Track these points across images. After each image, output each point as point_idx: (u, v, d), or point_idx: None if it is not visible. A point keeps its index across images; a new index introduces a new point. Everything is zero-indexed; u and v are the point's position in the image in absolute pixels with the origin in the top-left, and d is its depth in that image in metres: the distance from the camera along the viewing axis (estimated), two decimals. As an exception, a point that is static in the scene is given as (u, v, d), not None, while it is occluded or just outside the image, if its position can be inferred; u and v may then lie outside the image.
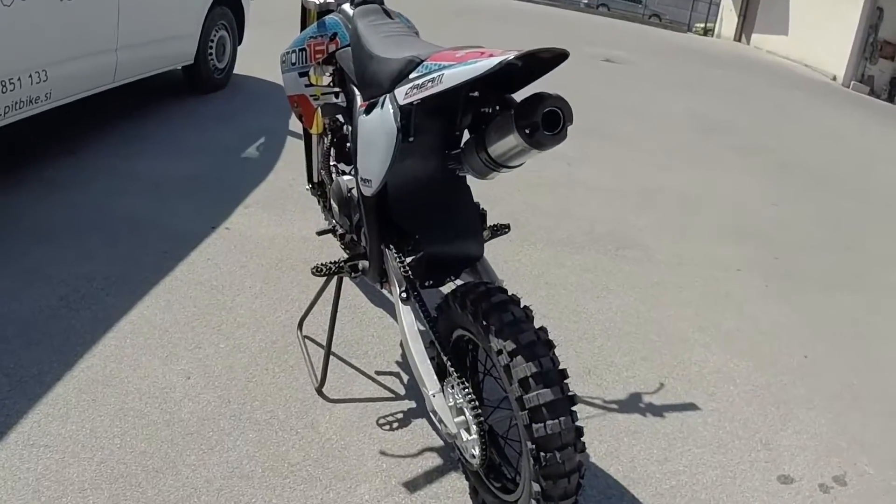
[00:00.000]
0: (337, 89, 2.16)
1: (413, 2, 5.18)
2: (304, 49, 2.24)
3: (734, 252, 3.90)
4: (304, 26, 2.51)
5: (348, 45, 2.03)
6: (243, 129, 4.46)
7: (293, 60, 2.33)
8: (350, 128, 2.08)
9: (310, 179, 2.92)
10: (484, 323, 1.52)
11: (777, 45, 16.36)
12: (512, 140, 1.44)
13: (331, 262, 2.05)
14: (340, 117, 2.31)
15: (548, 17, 14.50)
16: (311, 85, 2.26)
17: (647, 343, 2.77)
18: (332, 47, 2.10)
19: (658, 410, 2.37)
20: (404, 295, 1.79)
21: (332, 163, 2.31)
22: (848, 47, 14.03)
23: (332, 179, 2.34)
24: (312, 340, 2.41)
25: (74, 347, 2.22)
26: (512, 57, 1.29)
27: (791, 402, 2.55)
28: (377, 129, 1.68)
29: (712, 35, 19.99)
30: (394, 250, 1.86)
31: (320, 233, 2.32)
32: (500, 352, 1.47)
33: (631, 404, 2.38)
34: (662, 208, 4.39)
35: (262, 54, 5.64)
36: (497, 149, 1.51)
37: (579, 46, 9.96)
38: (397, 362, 2.38)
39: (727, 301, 3.27)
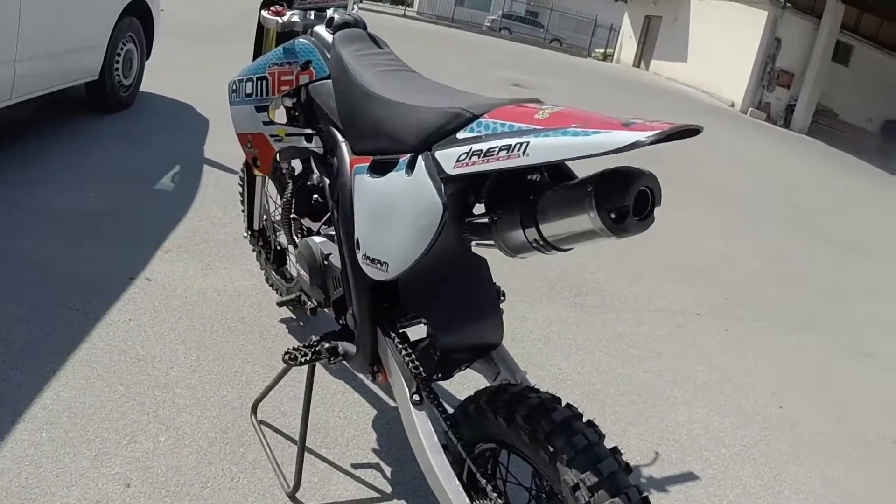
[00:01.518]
0: (309, 131, 1.77)
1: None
2: (263, 78, 1.84)
3: (686, 293, 3.96)
4: (259, 49, 2.11)
5: (327, 78, 1.66)
6: (154, 155, 3.95)
7: (248, 91, 1.91)
8: (324, 179, 1.71)
9: (249, 226, 2.51)
10: (549, 448, 1.19)
11: (676, 71, 16.95)
12: (586, 223, 1.10)
13: (305, 347, 1.67)
14: (305, 163, 1.94)
15: (452, 38, 14.43)
16: (271, 123, 1.87)
17: (630, 406, 2.63)
18: (304, 78, 1.72)
19: (660, 484, 2.23)
20: (417, 398, 1.44)
21: (291, 216, 1.94)
22: (746, 75, 14.69)
23: (292, 238, 1.96)
24: (270, 427, 2.00)
25: (-30, 447, 1.73)
26: (650, 137, 0.93)
27: (780, 459, 2.52)
28: (402, 199, 1.31)
29: (611, 60, 20.55)
30: (395, 338, 1.51)
31: (281, 304, 1.91)
32: (576, 487, 1.15)
33: (632, 480, 2.10)
34: (609, 251, 4.21)
35: (171, 70, 5.13)
36: (556, 229, 1.17)
37: (486, 69, 9.87)
38: (374, 450, 2.01)
39: (694, 352, 3.23)
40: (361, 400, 2.20)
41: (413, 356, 1.48)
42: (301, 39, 1.74)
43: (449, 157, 1.20)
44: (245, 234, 2.59)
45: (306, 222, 1.93)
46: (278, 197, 2.47)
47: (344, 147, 1.57)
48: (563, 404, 1.30)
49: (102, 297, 2.45)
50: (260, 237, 2.54)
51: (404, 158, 1.32)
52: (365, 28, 1.78)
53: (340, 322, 1.73)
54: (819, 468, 2.50)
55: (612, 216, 1.07)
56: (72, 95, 4.45)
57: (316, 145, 1.74)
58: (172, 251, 2.91)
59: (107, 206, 3.19)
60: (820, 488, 2.38)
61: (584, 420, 1.27)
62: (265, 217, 2.53)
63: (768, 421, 2.75)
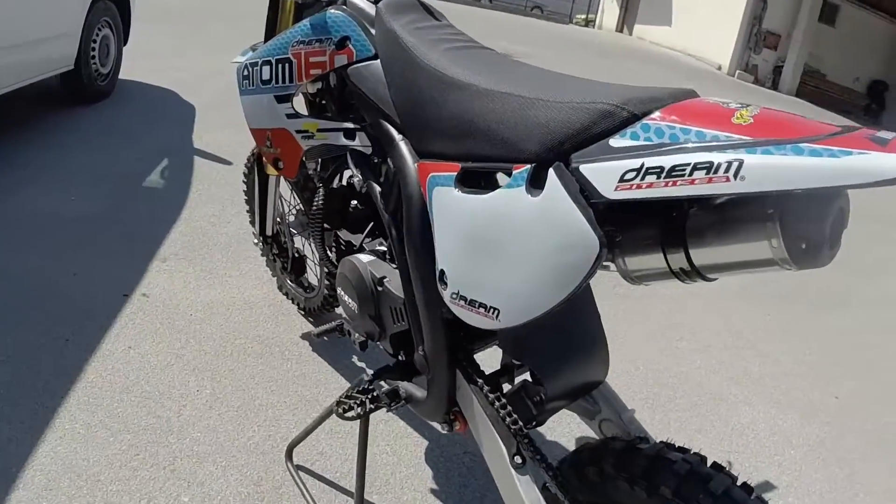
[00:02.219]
0: (350, 125, 1.45)
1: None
2: (286, 60, 1.50)
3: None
4: (273, 25, 1.76)
5: (372, 58, 1.34)
6: (139, 149, 3.60)
7: (265, 77, 1.56)
8: (371, 185, 1.40)
9: (262, 232, 2.20)
10: None
11: (660, 35, 16.62)
12: (762, 251, 0.85)
13: (359, 392, 1.37)
14: (337, 162, 1.63)
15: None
16: (297, 115, 1.54)
17: (693, 409, 2.40)
18: (341, 59, 1.39)
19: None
20: (519, 459, 1.15)
21: (324, 227, 1.63)
22: (733, 38, 14.45)
23: (326, 254, 1.66)
24: (309, 472, 1.71)
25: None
26: None
27: (848, 458, 2.35)
28: (524, 227, 0.97)
29: (594, 26, 20.18)
30: (483, 385, 1.22)
31: (320, 335, 1.59)
32: None
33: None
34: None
35: (150, 56, 4.75)
36: (715, 256, 0.91)
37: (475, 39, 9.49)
38: (433, 491, 1.73)
39: (742, 342, 3.00)
40: (408, 429, 1.92)
41: (508, 408, 1.18)
42: (333, 11, 1.40)
43: (605, 174, 0.87)
44: (256, 241, 2.28)
45: (344, 235, 1.61)
46: (293, 197, 2.16)
47: (404, 147, 1.25)
48: (711, 464, 1.02)
49: (94, 320, 2.13)
50: (274, 243, 2.23)
51: (520, 170, 0.98)
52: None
53: (399, 357, 1.44)
54: (889, 464, 2.35)
55: (803, 246, 0.83)
56: (46, 88, 4.08)
57: (361, 143, 1.42)
58: (170, 259, 2.58)
59: (92, 209, 2.86)
60: (894, 485, 2.24)
61: (741, 483, 1.00)
62: (279, 220, 2.22)
63: (828, 413, 2.58)
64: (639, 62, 11.80)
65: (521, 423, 1.18)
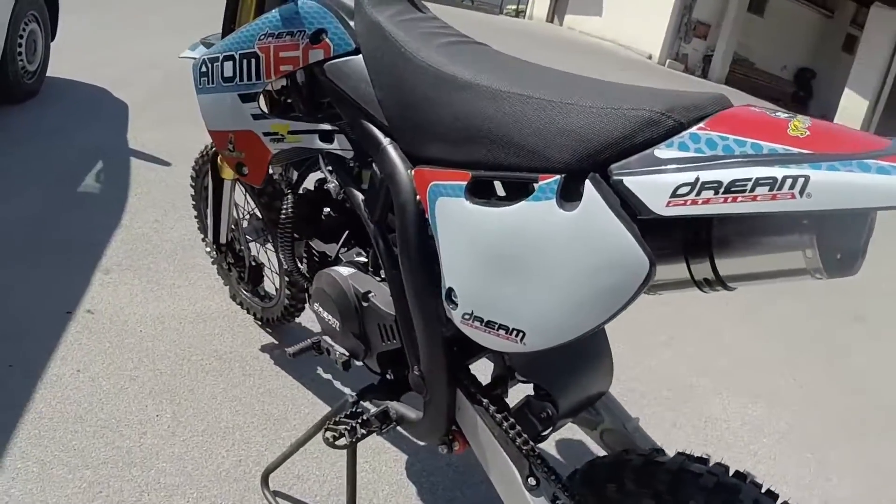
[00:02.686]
0: (328, 126, 1.34)
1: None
2: (252, 55, 1.36)
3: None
4: (231, 16, 1.61)
5: (353, 53, 1.23)
6: (72, 150, 3.37)
7: (226, 73, 1.42)
8: (352, 192, 1.30)
9: (215, 240, 2.06)
10: None
11: (591, 26, 16.81)
12: (795, 261, 0.81)
13: (347, 417, 1.27)
14: (306, 165, 1.52)
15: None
16: (265, 116, 1.42)
17: (664, 402, 2.39)
18: (317, 54, 1.27)
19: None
20: (533, 481, 1.07)
21: (294, 236, 1.51)
22: (663, 27, 14.71)
23: (296, 266, 1.54)
24: (287, 498, 1.60)
25: None
26: None
27: (817, 442, 2.41)
28: (557, 245, 0.88)
29: (524, 17, 20.27)
30: (489, 405, 1.13)
31: (296, 354, 1.47)
32: None
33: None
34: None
35: (79, 49, 4.48)
36: (743, 266, 0.86)
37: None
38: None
39: (704, 332, 3.02)
40: (385, 444, 1.82)
41: (517, 428, 1.10)
42: (303, 1, 1.28)
43: (654, 188, 0.79)
44: (209, 250, 2.13)
45: (316, 245, 1.49)
46: (247, 202, 2.03)
47: (392, 151, 1.14)
48: (733, 473, 0.99)
49: (38, 342, 1.96)
50: (228, 252, 2.09)
51: (548, 181, 0.88)
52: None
53: (388, 376, 1.34)
54: (853, 447, 2.43)
55: (839, 256, 0.80)
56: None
57: (340, 146, 1.31)
58: (113, 270, 2.41)
59: (25, 216, 2.65)
60: (863, 468, 2.30)
61: (765, 490, 0.97)
62: (233, 227, 2.08)
63: (792, 399, 2.64)
64: (570, 52, 11.88)
65: (531, 443, 1.11)
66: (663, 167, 0.79)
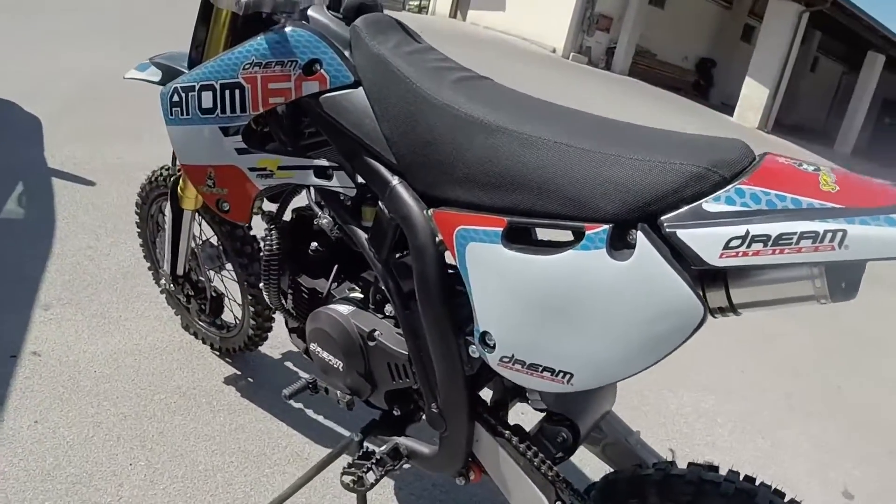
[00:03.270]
0: (324, 162, 1.28)
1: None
2: (235, 86, 1.28)
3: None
4: (201, 38, 1.50)
5: (352, 87, 1.19)
6: (-15, 174, 3.15)
7: (205, 104, 1.33)
8: (358, 233, 1.25)
9: (172, 272, 1.96)
10: None
11: (494, 20, 17.01)
12: (804, 289, 0.87)
13: (360, 459, 1.24)
14: (286, 196, 1.46)
15: None
16: (250, 151, 1.34)
17: (621, 403, 2.48)
18: (311, 87, 1.21)
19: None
20: None
21: (279, 274, 1.45)
22: (566, 21, 15.03)
23: (280, 302, 1.48)
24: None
25: None
26: None
27: (767, 428, 2.59)
28: (609, 292, 0.92)
29: (427, 13, 20.28)
30: (510, 435, 1.16)
31: (291, 395, 1.41)
32: None
33: None
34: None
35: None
36: (756, 294, 0.91)
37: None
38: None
39: None
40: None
41: (541, 455, 1.14)
42: (294, 28, 1.22)
43: (707, 241, 0.84)
44: (164, 285, 2.02)
45: (304, 281, 1.44)
46: (200, 230, 1.95)
47: (403, 191, 1.12)
48: (743, 477, 1.05)
49: (-17, 392, 1.82)
50: (186, 283, 2.00)
51: (596, 231, 0.91)
52: (382, 10, 1.31)
53: (395, 413, 1.31)
54: (800, 429, 2.63)
55: (843, 285, 0.87)
56: None
57: (340, 183, 1.25)
58: (53, 306, 2.26)
59: (-57, 253, 2.46)
60: (808, 448, 2.51)
61: (774, 489, 1.04)
62: (190, 258, 1.99)
63: (740, 389, 2.81)
64: (475, 48, 11.94)
65: (554, 468, 1.14)
66: (713, 220, 0.85)
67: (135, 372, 2.02)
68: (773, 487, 1.04)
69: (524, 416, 1.68)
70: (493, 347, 1.04)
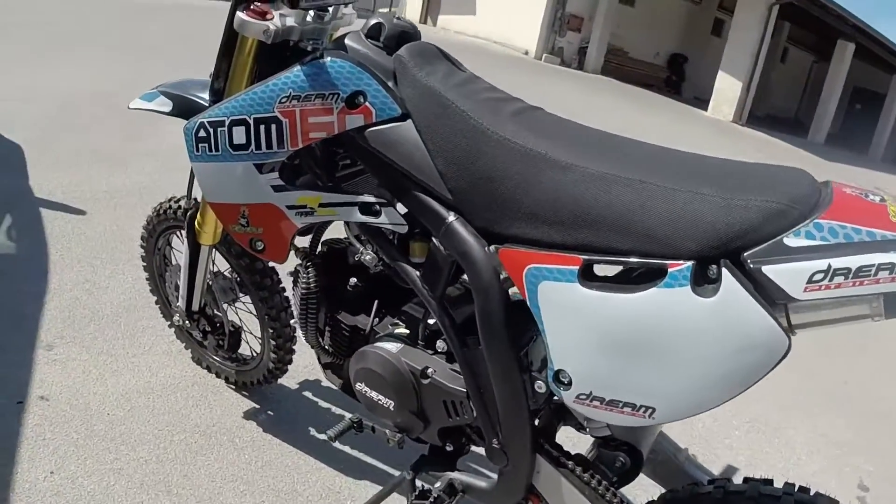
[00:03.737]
0: (371, 199, 1.22)
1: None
2: (270, 120, 1.21)
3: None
4: (225, 68, 1.41)
5: (399, 119, 1.14)
6: (-32, 208, 3.04)
7: (237, 140, 1.25)
8: (409, 270, 1.20)
9: (188, 309, 1.89)
10: None
11: (465, 25, 17.02)
12: (862, 310, 0.90)
13: (420, 499, 1.20)
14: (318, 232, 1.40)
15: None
16: (287, 188, 1.28)
17: None
18: (355, 120, 1.16)
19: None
20: None
21: (310, 309, 1.39)
22: (538, 23, 15.09)
23: (317, 341, 1.43)
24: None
25: None
26: None
27: (780, 427, 2.61)
28: (693, 328, 0.92)
29: (395, 16, 20.23)
30: (574, 466, 1.15)
31: (336, 436, 1.35)
32: None
33: None
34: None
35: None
36: (815, 317, 0.94)
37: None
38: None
39: None
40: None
41: (604, 482, 1.14)
42: (333, 59, 1.16)
43: (792, 275, 0.87)
44: (177, 321, 1.95)
45: (344, 318, 1.37)
46: (213, 262, 1.88)
47: (461, 227, 1.08)
48: (798, 488, 1.07)
49: (-5, 443, 1.73)
50: (203, 319, 1.93)
51: (680, 268, 0.92)
52: (420, 37, 1.26)
53: (447, 448, 1.27)
54: (810, 425, 2.67)
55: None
56: None
57: (389, 220, 1.20)
58: (56, 346, 2.17)
59: (-64, 296, 2.35)
60: (822, 444, 2.56)
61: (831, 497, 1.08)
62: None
63: (753, 392, 2.83)
64: (448, 51, 11.96)
65: (618, 495, 1.15)
66: (795, 255, 0.88)
67: (150, 412, 1.95)
68: (828, 496, 1.06)
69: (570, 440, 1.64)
70: (569, 385, 1.03)
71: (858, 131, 18.31)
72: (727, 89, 13.88)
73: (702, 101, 15.24)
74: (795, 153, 12.18)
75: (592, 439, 1.25)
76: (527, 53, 15.45)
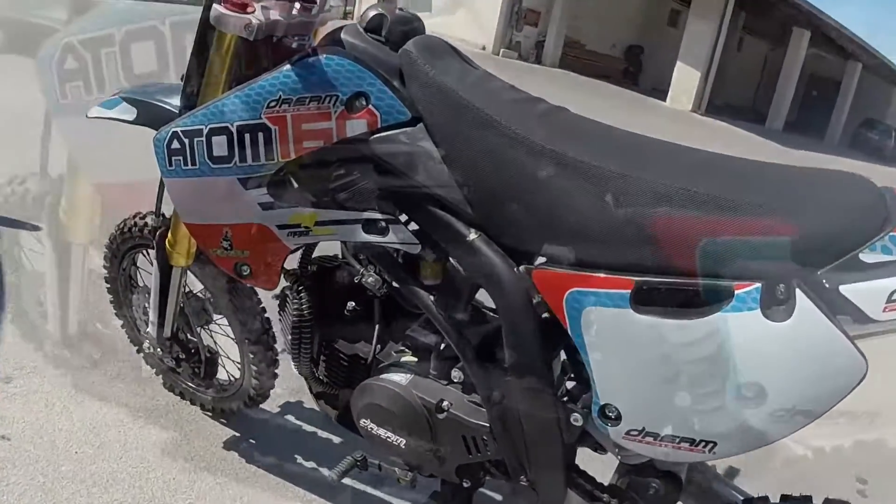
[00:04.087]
0: (377, 216, 1.08)
1: None
2: (256, 127, 1.07)
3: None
4: (199, 69, 1.24)
5: (410, 124, 1.01)
6: None
7: (217, 151, 1.11)
8: (421, 294, 1.08)
9: (159, 335, 1.75)
10: None
11: (422, 21, 16.90)
12: None
13: None
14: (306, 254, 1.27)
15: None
16: (278, 206, 1.14)
17: None
18: (357, 126, 1.03)
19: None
20: None
21: (304, 338, 1.26)
22: (494, 18, 15.06)
23: (311, 372, 1.30)
24: None
25: None
26: None
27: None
28: (772, 355, 0.84)
29: (352, 18, 20.09)
30: (610, 498, 1.08)
31: (341, 476, 1.22)
32: None
33: None
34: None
35: None
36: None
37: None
38: None
39: None
40: None
41: None
42: (329, 56, 1.03)
43: (870, 295, 0.82)
44: (147, 349, 1.80)
45: (342, 347, 1.24)
46: (183, 283, 1.73)
47: (484, 246, 0.96)
48: None
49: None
50: (176, 345, 1.78)
51: (747, 290, 0.83)
52: (425, 30, 1.14)
53: (464, 484, 1.16)
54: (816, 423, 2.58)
55: None
56: None
57: (398, 239, 1.07)
58: (14, 377, 2.00)
59: None
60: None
61: None
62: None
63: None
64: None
65: None
66: (872, 272, 0.82)
67: (121, 447, 1.80)
68: None
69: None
70: (618, 420, 0.93)
71: (815, 118, 18.66)
72: (685, 79, 14.01)
73: (660, 92, 15.37)
74: (754, 140, 12.34)
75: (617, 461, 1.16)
76: (484, 49, 15.40)
